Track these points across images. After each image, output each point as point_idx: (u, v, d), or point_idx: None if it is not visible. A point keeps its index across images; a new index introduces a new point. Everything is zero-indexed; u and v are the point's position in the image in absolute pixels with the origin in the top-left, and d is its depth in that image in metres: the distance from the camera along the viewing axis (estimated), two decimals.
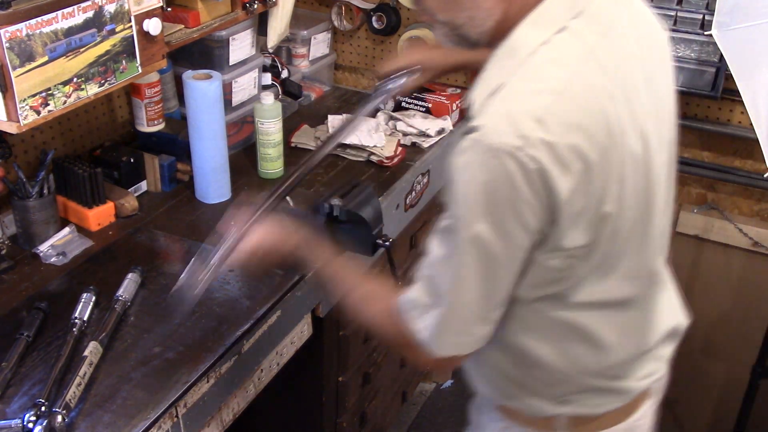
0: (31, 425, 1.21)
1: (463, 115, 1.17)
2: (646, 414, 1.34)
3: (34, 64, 1.35)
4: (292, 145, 2.14)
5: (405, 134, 2.21)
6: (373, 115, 1.87)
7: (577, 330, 1.19)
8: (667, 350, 1.35)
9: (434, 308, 1.13)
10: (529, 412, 1.27)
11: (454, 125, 2.30)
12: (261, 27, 2.11)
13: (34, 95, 1.37)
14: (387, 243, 1.63)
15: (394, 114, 2.27)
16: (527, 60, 1.07)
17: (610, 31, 1.12)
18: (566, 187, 1.03)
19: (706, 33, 2.00)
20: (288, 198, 1.71)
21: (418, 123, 2.22)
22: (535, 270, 1.11)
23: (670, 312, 1.36)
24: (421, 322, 1.15)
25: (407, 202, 2.07)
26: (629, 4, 1.19)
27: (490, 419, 1.35)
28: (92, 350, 1.36)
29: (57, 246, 1.68)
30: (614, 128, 1.07)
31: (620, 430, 1.29)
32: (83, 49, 1.43)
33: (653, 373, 1.31)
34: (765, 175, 2.06)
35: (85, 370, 1.32)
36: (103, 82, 1.49)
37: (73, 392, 1.28)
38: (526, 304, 1.17)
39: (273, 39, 2.13)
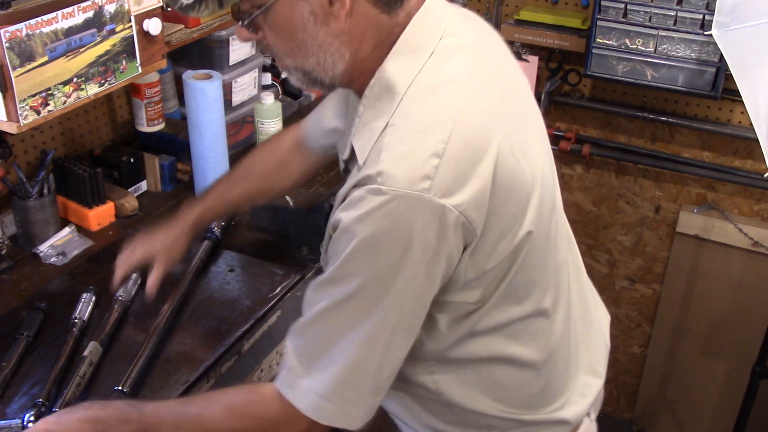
0: (31, 425, 1.21)
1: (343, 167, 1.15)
2: (588, 429, 1.30)
3: (34, 64, 1.35)
4: None
5: None
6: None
7: (500, 357, 1.14)
8: (602, 360, 1.32)
9: (320, 373, 1.02)
10: None
11: None
12: None
13: (34, 95, 1.37)
14: None
15: None
16: (408, 94, 1.01)
17: (477, 45, 1.08)
18: (480, 220, 0.98)
19: (706, 33, 2.00)
20: (288, 198, 1.71)
21: None
22: (449, 312, 1.07)
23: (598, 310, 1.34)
24: (300, 389, 1.03)
25: None
26: (475, 20, 1.16)
27: None
28: (92, 350, 1.36)
29: (57, 246, 1.69)
30: (515, 146, 1.03)
31: None
32: (83, 49, 1.43)
33: (590, 386, 1.28)
34: (765, 175, 2.06)
35: (85, 370, 1.33)
36: (103, 82, 1.49)
37: (73, 392, 1.28)
38: (449, 356, 1.12)
39: None
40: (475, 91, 1.03)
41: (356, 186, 0.98)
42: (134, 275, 1.55)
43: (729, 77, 2.00)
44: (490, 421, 1.19)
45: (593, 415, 1.32)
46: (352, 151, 1.06)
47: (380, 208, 0.94)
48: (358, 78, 1.07)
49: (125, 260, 1.49)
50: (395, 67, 1.03)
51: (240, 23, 1.05)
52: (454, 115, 0.98)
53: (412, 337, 1.04)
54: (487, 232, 1.00)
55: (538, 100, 2.28)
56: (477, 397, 1.17)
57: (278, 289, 1.59)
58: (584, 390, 1.27)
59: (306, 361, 1.03)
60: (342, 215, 0.98)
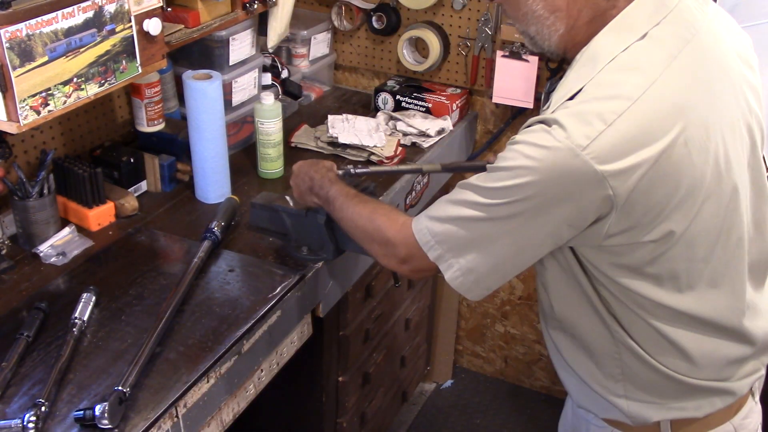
0: (31, 425, 1.21)
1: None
2: (752, 411, 1.34)
3: (34, 64, 1.35)
4: (292, 145, 2.14)
5: (405, 134, 2.21)
6: (373, 115, 1.91)
7: (672, 343, 1.21)
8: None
9: (469, 252, 1.18)
10: (634, 422, 1.28)
11: (454, 125, 2.30)
12: (261, 27, 2.11)
13: (34, 95, 1.37)
14: None
15: (394, 114, 2.27)
16: (605, 67, 1.10)
17: (694, 38, 1.14)
18: (624, 190, 1.06)
19: None
20: (288, 198, 1.71)
21: (418, 123, 2.22)
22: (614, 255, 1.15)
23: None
24: (455, 262, 1.19)
25: (407, 202, 2.07)
26: (711, 10, 1.21)
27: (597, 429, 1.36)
28: None
29: (57, 246, 1.69)
30: (695, 138, 1.09)
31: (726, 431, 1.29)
32: (83, 49, 1.43)
33: (754, 372, 1.31)
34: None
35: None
36: (103, 82, 1.49)
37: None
38: (626, 302, 1.20)
39: (273, 39, 2.13)
40: (669, 82, 1.10)
41: (537, 121, 1.10)
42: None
43: None
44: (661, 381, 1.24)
45: (757, 396, 1.36)
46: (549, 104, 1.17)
47: (540, 146, 1.07)
48: (571, 49, 1.18)
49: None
50: (605, 42, 1.13)
51: None
52: (637, 96, 1.07)
53: (528, 258, 1.18)
54: (626, 210, 1.08)
55: (538, 100, 2.28)
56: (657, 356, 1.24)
57: (278, 289, 1.59)
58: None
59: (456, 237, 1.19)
60: (517, 136, 1.13)
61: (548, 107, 1.14)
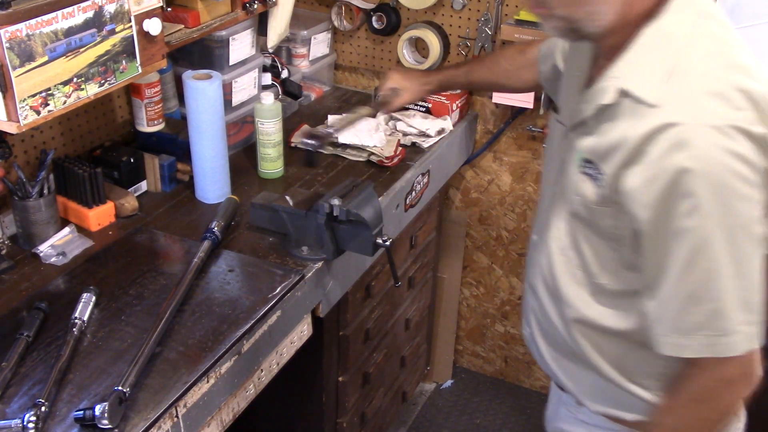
0: (31, 425, 1.21)
1: (598, 110, 1.17)
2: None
3: (34, 64, 1.35)
4: (292, 145, 2.14)
5: (405, 134, 2.21)
6: (373, 115, 1.94)
7: None
8: None
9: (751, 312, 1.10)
10: (635, 418, 1.29)
11: (454, 125, 2.30)
12: (261, 27, 2.11)
13: (34, 95, 1.37)
14: (387, 243, 1.63)
15: (394, 114, 2.27)
16: (691, 42, 1.08)
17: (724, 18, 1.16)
18: None
19: None
20: (288, 198, 1.71)
21: (418, 123, 2.22)
22: None
23: None
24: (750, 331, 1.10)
25: (407, 202, 2.07)
26: None
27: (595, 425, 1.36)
28: None
29: (57, 246, 1.69)
30: None
31: None
32: (83, 49, 1.43)
33: None
34: None
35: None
36: (103, 82, 1.49)
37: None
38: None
39: (273, 39, 2.13)
40: (741, 49, 1.11)
41: (650, 136, 1.05)
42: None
43: None
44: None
45: None
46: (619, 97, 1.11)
47: (704, 145, 1.02)
48: (620, 32, 1.12)
49: (383, 83, 1.87)
50: (675, 20, 1.09)
51: None
52: (742, 63, 1.08)
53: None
54: None
55: (538, 100, 2.28)
56: None
57: (278, 289, 1.59)
58: None
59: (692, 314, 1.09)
60: (655, 170, 1.05)
61: (628, 96, 1.09)
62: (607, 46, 1.16)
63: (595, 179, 1.15)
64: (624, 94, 1.10)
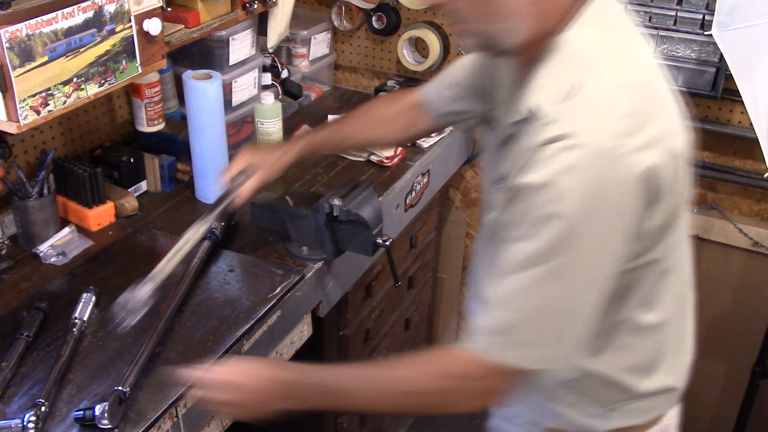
0: (31, 425, 1.21)
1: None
2: (674, 413, 1.34)
3: (34, 64, 1.35)
4: None
5: None
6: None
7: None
8: None
9: (528, 326, 1.08)
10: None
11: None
12: (261, 27, 2.11)
13: (34, 95, 1.37)
14: (387, 243, 1.63)
15: None
16: (594, 59, 1.07)
17: (633, 30, 1.16)
18: (668, 179, 1.04)
19: (706, 33, 2.00)
20: (288, 198, 1.71)
21: None
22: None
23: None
24: (516, 346, 1.09)
25: (407, 202, 2.07)
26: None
27: None
28: None
29: (57, 246, 1.69)
30: (678, 116, 1.11)
31: None
32: (83, 49, 1.43)
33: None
34: (765, 175, 2.06)
35: None
36: (103, 82, 1.49)
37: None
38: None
39: (273, 39, 2.13)
40: (646, 65, 1.12)
41: (542, 144, 1.02)
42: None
43: (729, 77, 2.00)
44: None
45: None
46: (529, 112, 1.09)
47: (578, 166, 1.00)
48: (536, 46, 1.11)
49: (231, 166, 1.61)
50: (581, 36, 1.08)
51: None
52: (643, 81, 1.07)
53: (604, 298, 1.08)
54: (672, 189, 1.07)
55: None
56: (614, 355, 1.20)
57: (278, 289, 1.59)
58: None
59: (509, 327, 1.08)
60: (527, 177, 1.02)
61: (530, 113, 1.08)
62: (523, 61, 1.15)
63: (504, 192, 1.13)
64: (530, 111, 1.09)
